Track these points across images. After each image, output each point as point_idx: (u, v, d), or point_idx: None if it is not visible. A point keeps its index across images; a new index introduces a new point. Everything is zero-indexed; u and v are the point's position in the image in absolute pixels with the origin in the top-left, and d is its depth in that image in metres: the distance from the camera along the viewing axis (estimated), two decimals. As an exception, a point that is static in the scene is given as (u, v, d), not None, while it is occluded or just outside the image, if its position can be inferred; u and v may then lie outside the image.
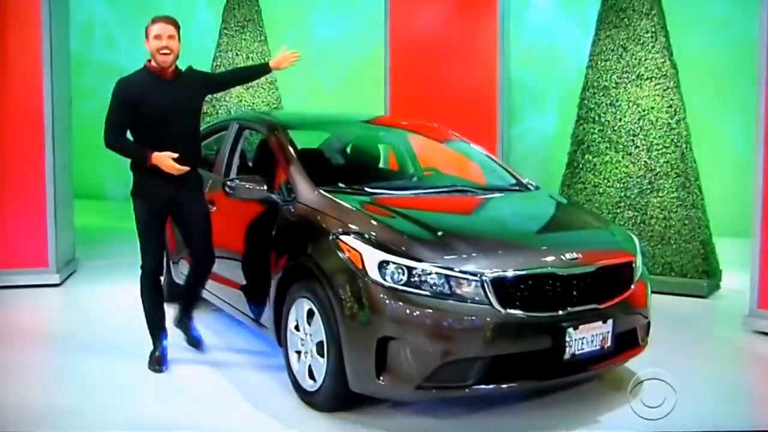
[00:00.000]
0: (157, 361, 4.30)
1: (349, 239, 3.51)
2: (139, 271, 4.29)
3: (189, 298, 4.61)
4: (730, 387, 4.24)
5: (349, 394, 3.50)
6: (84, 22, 12.53)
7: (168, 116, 4.14)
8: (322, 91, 11.17)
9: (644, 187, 6.33)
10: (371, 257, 3.39)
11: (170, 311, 4.55)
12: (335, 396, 3.56)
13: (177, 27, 4.22)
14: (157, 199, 4.21)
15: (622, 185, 6.42)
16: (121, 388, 4.04)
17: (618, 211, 6.41)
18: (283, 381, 3.97)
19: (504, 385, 3.35)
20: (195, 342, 4.67)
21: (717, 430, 3.61)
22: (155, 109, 4.12)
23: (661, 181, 6.28)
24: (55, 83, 6.33)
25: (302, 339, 3.77)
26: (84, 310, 5.75)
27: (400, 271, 3.34)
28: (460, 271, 3.32)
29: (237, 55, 8.05)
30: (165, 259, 5.08)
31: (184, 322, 4.65)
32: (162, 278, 4.57)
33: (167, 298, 4.78)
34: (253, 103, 7.96)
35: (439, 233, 3.56)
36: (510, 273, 3.36)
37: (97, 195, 12.45)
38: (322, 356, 3.57)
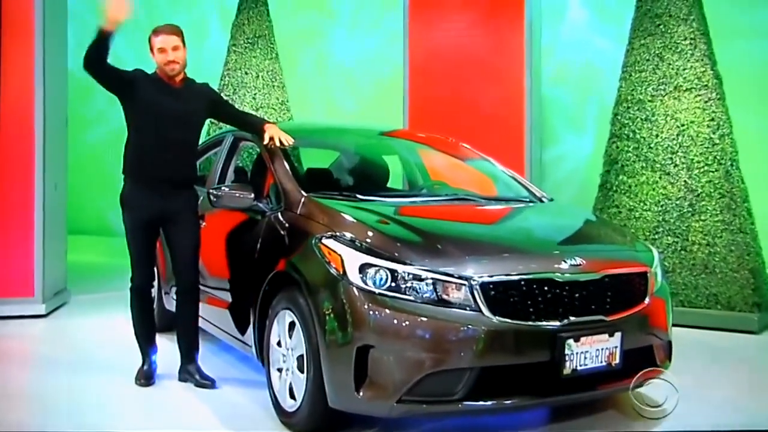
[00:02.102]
0: (144, 376, 4.53)
1: (330, 242, 3.62)
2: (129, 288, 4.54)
3: (185, 338, 4.61)
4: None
5: (329, 414, 3.56)
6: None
7: (168, 121, 4.40)
8: (341, 114, 11.37)
9: (685, 210, 6.33)
10: (352, 260, 3.48)
11: (163, 341, 4.77)
12: (315, 415, 3.61)
13: (180, 35, 4.47)
14: (145, 211, 4.42)
15: (660, 208, 6.42)
16: (95, 408, 4.20)
17: (656, 236, 6.41)
18: (266, 404, 4.05)
19: (497, 402, 3.37)
20: (206, 384, 4.50)
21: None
22: (157, 113, 4.39)
23: (703, 203, 6.28)
24: (48, 104, 6.55)
25: (284, 355, 3.86)
26: (66, 340, 5.91)
27: (382, 274, 3.42)
28: (447, 275, 3.39)
29: (246, 73, 8.27)
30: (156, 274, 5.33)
31: (187, 370, 4.58)
32: (153, 293, 4.82)
33: (158, 328, 4.90)
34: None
35: (427, 236, 3.65)
36: (502, 278, 3.42)
37: (99, 231, 12.74)
38: (303, 372, 3.65)
